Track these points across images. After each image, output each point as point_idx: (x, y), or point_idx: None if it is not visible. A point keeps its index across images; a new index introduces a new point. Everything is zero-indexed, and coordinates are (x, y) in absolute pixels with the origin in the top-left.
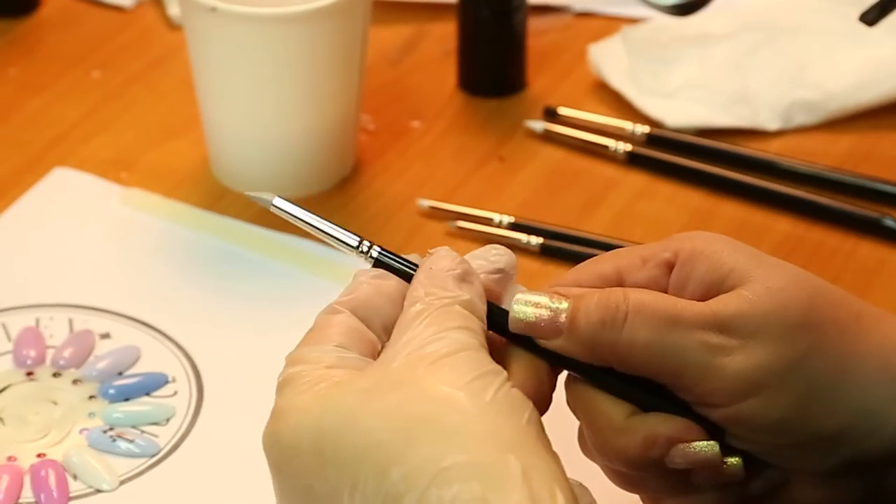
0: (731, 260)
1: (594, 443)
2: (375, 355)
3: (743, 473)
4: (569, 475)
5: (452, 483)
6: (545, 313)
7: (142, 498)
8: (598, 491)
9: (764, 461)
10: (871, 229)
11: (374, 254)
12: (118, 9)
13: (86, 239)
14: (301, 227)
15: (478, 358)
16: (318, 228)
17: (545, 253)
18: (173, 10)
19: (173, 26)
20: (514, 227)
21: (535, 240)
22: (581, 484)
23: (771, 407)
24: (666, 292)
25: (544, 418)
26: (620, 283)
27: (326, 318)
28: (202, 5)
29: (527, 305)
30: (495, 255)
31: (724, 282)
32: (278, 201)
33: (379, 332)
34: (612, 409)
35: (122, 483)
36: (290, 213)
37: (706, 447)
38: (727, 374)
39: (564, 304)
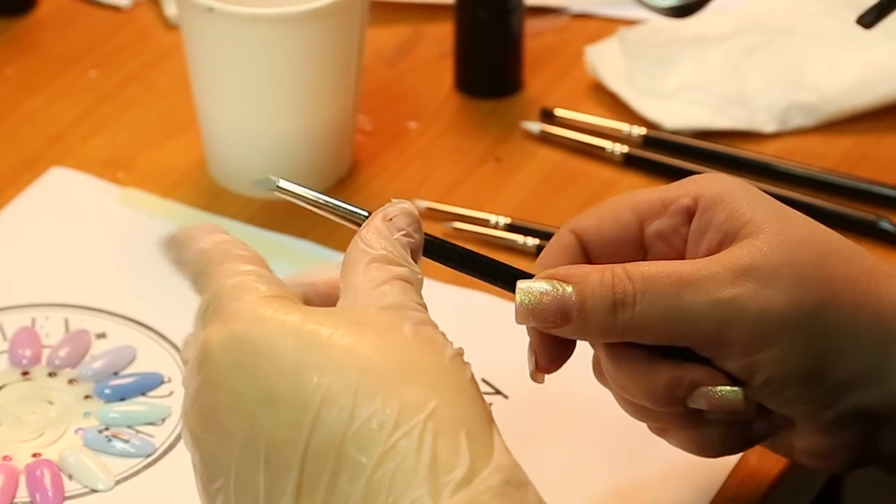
0: (749, 209)
1: (613, 376)
2: None
3: (755, 412)
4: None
5: (438, 425)
6: (551, 302)
7: (137, 498)
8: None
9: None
10: (867, 232)
11: None
12: (115, 8)
13: (82, 239)
14: (307, 206)
15: (448, 339)
16: (326, 204)
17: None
18: (170, 9)
19: (170, 26)
20: (510, 228)
21: (532, 241)
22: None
23: (785, 358)
24: (685, 240)
25: None
26: (640, 230)
27: (247, 248)
28: (199, 5)
29: (530, 295)
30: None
31: (740, 230)
32: (284, 183)
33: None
34: (636, 350)
35: (117, 483)
36: (295, 194)
37: (730, 392)
38: (742, 326)
39: (569, 290)
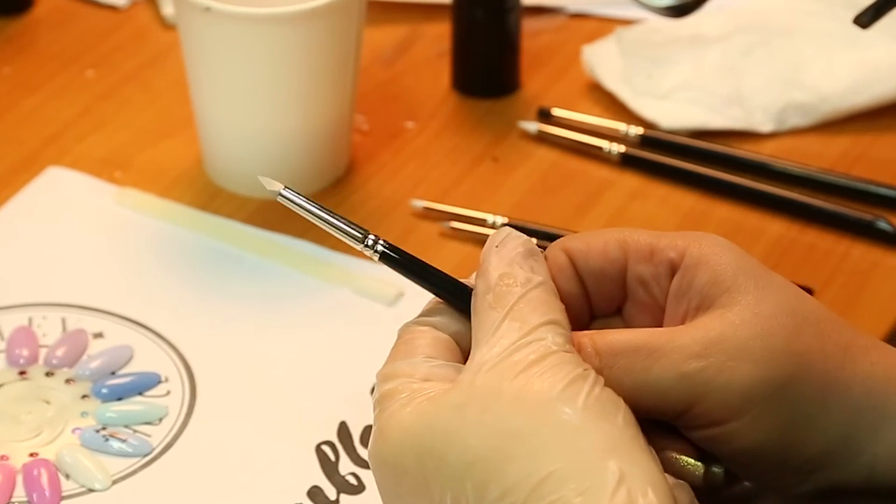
0: (731, 277)
1: None
2: (463, 360)
3: (723, 483)
4: None
5: (549, 494)
6: None
7: (134, 497)
8: None
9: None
10: (864, 231)
11: (380, 248)
12: (112, 8)
13: (79, 238)
14: (307, 217)
15: (565, 361)
16: (323, 219)
17: None
18: (167, 9)
19: (167, 26)
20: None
21: None
22: (681, 483)
23: (752, 430)
24: (665, 291)
25: None
26: (623, 269)
27: (410, 330)
28: (196, 5)
29: None
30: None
31: (718, 298)
32: (286, 192)
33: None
34: None
35: (114, 482)
36: (296, 204)
37: (692, 466)
38: (708, 400)
39: None
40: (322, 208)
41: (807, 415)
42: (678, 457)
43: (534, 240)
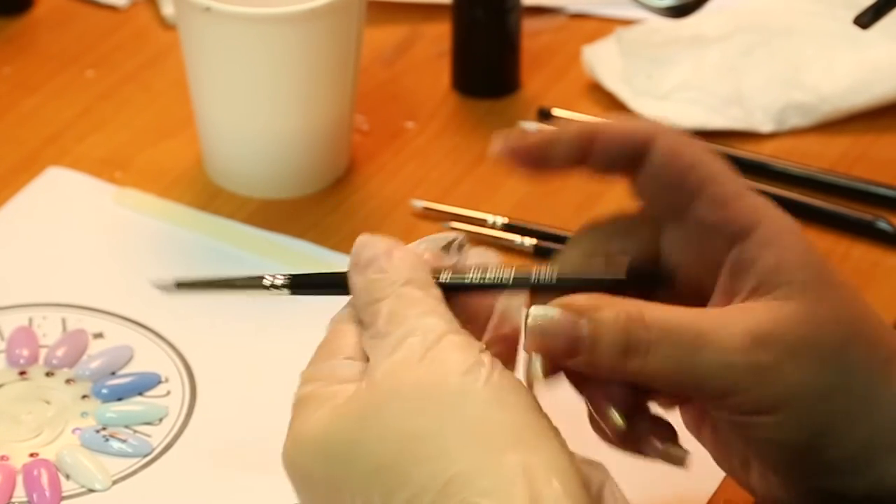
0: (796, 269)
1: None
2: None
3: (683, 464)
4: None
5: (455, 495)
6: (563, 333)
7: (134, 498)
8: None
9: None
10: (864, 232)
11: (282, 282)
12: (112, 8)
13: (79, 238)
14: (209, 291)
15: (455, 346)
16: (226, 285)
17: (539, 254)
18: (167, 9)
19: (167, 26)
20: (507, 228)
21: (529, 241)
22: (593, 461)
23: (780, 429)
24: (720, 251)
25: None
26: (688, 203)
27: (335, 329)
28: (196, 5)
29: (542, 322)
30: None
31: (777, 288)
32: (180, 280)
33: None
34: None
35: (114, 483)
36: (195, 284)
37: (681, 452)
38: (749, 393)
39: (583, 323)
40: (216, 279)
41: (839, 424)
42: (661, 444)
43: (394, 239)
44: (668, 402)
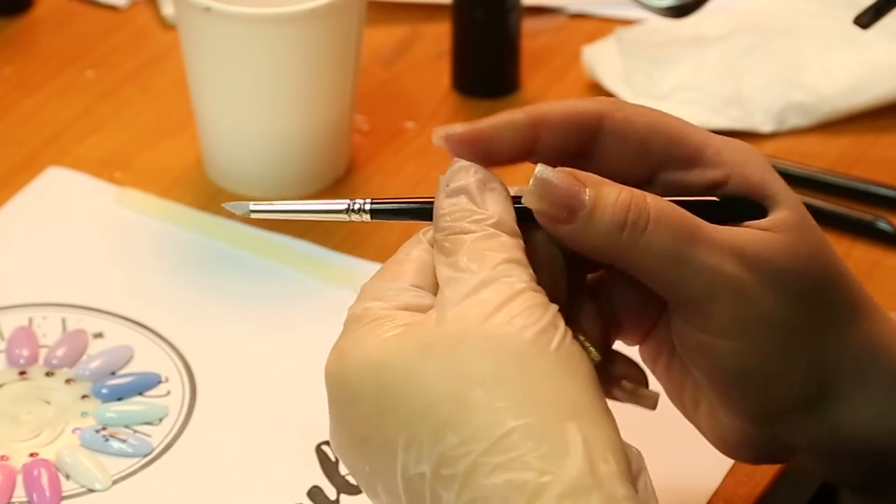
0: (782, 202)
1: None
2: None
3: (654, 406)
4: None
5: (509, 450)
6: (565, 192)
7: (134, 498)
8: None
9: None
10: (864, 232)
11: (367, 206)
12: (112, 8)
13: (79, 238)
14: (288, 217)
15: (535, 303)
16: (304, 212)
17: None
18: (167, 9)
19: (167, 26)
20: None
21: None
22: (633, 447)
23: (743, 356)
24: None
25: None
26: (655, 169)
27: (407, 250)
28: (196, 5)
29: (547, 179)
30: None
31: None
32: (254, 205)
33: None
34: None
35: (114, 483)
36: (270, 212)
37: (650, 393)
38: (728, 305)
39: (587, 188)
40: (294, 203)
41: (799, 362)
42: (636, 387)
43: (483, 170)
44: (633, 338)
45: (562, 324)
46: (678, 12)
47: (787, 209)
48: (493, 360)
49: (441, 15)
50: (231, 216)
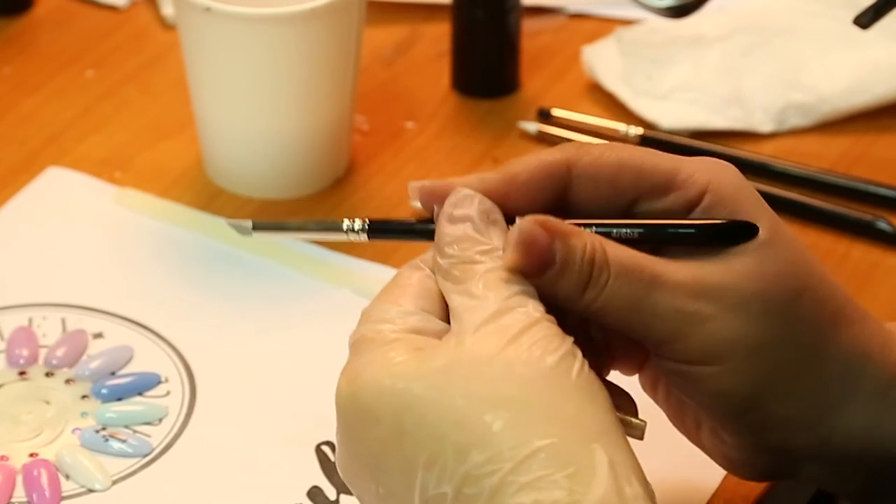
0: (748, 207)
1: None
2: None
3: (642, 436)
4: None
5: (536, 470)
6: (543, 248)
7: (134, 498)
8: None
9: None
10: (864, 232)
11: (362, 226)
12: (112, 8)
13: (79, 238)
14: (287, 237)
15: (552, 332)
16: (303, 230)
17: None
18: (167, 9)
19: (167, 26)
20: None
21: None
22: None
23: (726, 379)
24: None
25: None
26: (631, 201)
27: (408, 275)
28: (196, 5)
29: (531, 234)
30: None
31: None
32: (257, 224)
33: None
34: None
35: (114, 483)
36: (272, 230)
37: (638, 422)
38: (693, 340)
39: (557, 245)
40: (293, 223)
41: (783, 377)
42: (622, 416)
43: (487, 201)
44: (628, 368)
45: (579, 353)
46: (678, 12)
47: (762, 248)
48: (518, 383)
49: (441, 15)
50: (230, 216)
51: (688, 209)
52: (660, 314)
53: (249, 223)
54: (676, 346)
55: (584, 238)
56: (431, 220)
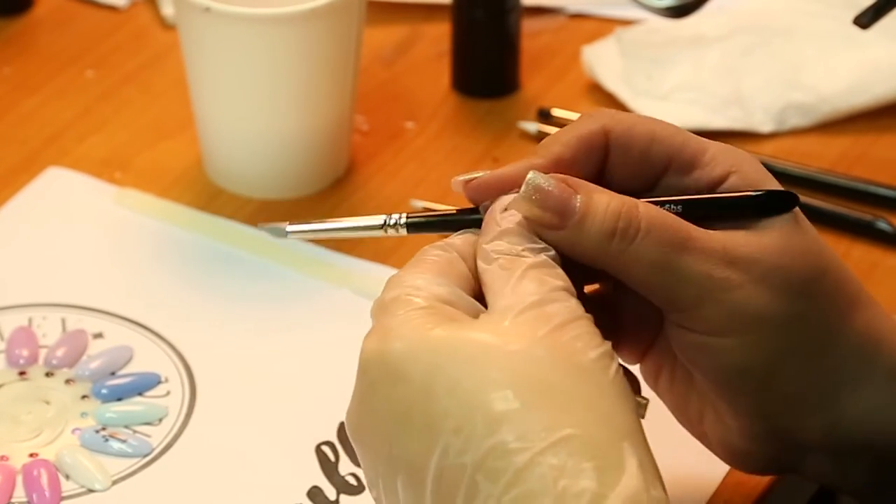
0: (770, 187)
1: None
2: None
3: (644, 414)
4: None
5: (566, 455)
6: (556, 198)
7: (134, 498)
8: None
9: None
10: (864, 232)
11: (403, 222)
12: (112, 8)
13: (79, 239)
14: (323, 236)
15: (593, 331)
16: (340, 230)
17: None
18: (167, 9)
19: (167, 26)
20: None
21: None
22: None
23: (744, 353)
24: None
25: None
26: (660, 175)
27: (436, 253)
28: (196, 5)
29: (538, 185)
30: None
31: (758, 221)
32: (291, 227)
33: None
34: None
35: (114, 483)
36: (307, 231)
37: (641, 400)
38: (720, 307)
39: (577, 196)
40: (329, 222)
41: (800, 355)
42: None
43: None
44: (632, 355)
45: (615, 356)
46: (678, 12)
47: (787, 215)
48: (558, 369)
49: (441, 15)
50: (230, 216)
51: (711, 188)
52: (689, 277)
53: (285, 225)
54: (701, 312)
55: (609, 194)
56: (467, 212)
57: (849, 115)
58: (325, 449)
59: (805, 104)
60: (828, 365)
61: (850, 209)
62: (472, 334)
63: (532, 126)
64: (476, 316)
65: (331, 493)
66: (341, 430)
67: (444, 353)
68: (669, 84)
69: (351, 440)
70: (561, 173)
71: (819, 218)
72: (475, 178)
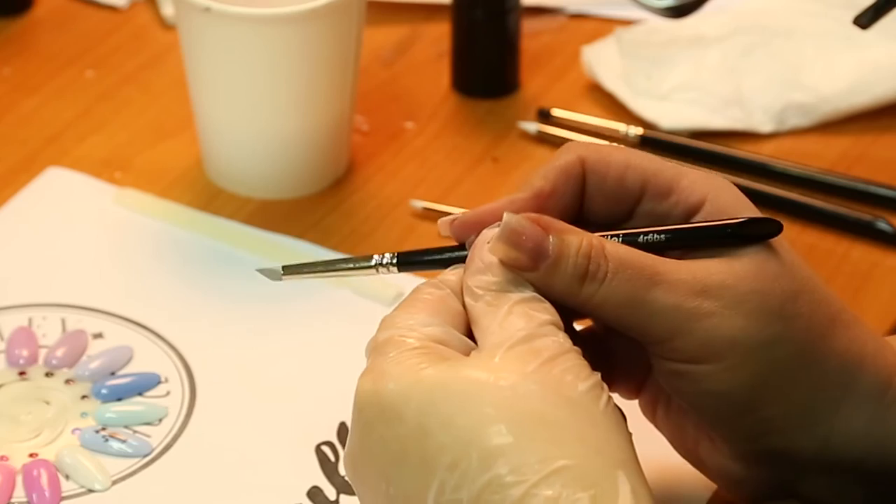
0: (747, 214)
1: None
2: (471, 339)
3: None
4: None
5: (561, 486)
6: (531, 240)
7: (134, 498)
8: None
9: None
10: (864, 232)
11: (392, 261)
12: (112, 8)
13: (79, 239)
14: (317, 278)
15: (581, 363)
16: (333, 271)
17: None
18: (167, 9)
19: (167, 26)
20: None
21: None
22: None
23: (724, 378)
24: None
25: None
26: (636, 200)
27: (429, 291)
28: (196, 5)
29: (517, 225)
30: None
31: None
32: (286, 268)
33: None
34: None
35: (114, 483)
36: (302, 274)
37: None
38: (692, 336)
39: (551, 239)
40: (322, 264)
41: (781, 376)
42: None
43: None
44: (628, 391)
45: (606, 387)
46: (678, 12)
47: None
48: (549, 402)
49: (441, 15)
50: (230, 216)
51: (687, 215)
52: (659, 311)
53: (279, 267)
54: (675, 343)
55: (580, 235)
56: (457, 248)
57: (849, 115)
58: (325, 449)
59: (805, 104)
60: (810, 384)
61: (850, 209)
62: (464, 372)
63: (532, 126)
64: (468, 353)
65: (331, 493)
66: (341, 430)
67: (438, 391)
68: (669, 84)
69: (349, 480)
70: (543, 205)
71: (819, 218)
72: (457, 217)
